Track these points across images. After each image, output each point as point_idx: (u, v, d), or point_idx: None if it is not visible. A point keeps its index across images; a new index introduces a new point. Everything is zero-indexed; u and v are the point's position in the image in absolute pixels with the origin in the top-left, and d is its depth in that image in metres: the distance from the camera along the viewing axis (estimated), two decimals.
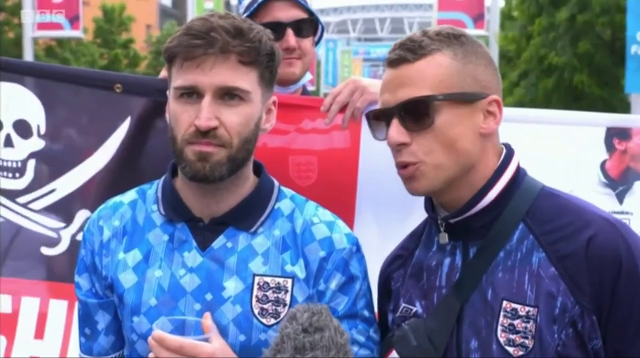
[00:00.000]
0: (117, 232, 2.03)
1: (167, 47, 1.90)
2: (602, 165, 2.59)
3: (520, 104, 20.95)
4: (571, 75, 19.39)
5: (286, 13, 2.76)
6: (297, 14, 2.78)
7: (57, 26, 19.22)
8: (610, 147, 2.58)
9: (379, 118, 1.89)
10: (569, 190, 2.58)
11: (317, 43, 2.93)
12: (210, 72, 1.83)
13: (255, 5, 2.75)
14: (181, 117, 1.87)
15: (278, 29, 2.68)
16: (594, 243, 1.72)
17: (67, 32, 19.79)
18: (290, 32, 2.75)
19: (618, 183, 2.59)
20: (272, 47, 1.92)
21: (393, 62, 1.85)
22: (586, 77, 19.21)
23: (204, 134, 1.84)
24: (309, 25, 2.82)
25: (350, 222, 2.60)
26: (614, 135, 2.58)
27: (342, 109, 2.62)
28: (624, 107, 19.17)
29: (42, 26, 19.24)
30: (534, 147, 2.58)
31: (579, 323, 1.71)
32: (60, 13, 18.68)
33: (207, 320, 1.86)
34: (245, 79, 1.87)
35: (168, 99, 1.95)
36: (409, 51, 1.82)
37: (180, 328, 1.85)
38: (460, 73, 1.81)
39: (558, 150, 2.60)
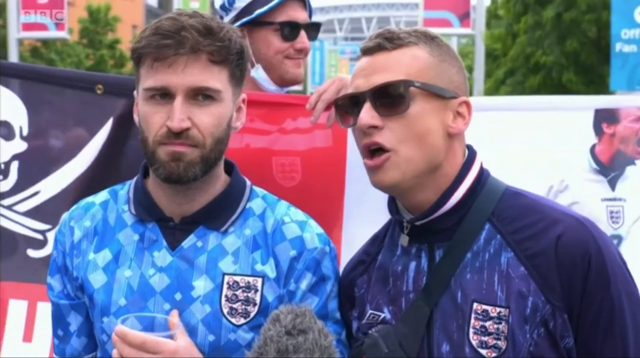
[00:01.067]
0: (88, 232, 2.02)
1: (136, 48, 1.87)
2: (592, 150, 2.57)
3: None
4: (558, 74, 19.44)
5: (300, 14, 2.80)
6: (306, 17, 2.83)
7: (42, 27, 19.07)
8: (599, 131, 2.57)
9: (348, 104, 1.87)
10: (560, 179, 2.57)
11: None
12: (182, 73, 1.82)
13: (274, 3, 2.75)
14: (152, 118, 1.86)
15: (294, 29, 2.76)
16: (563, 241, 1.71)
17: (52, 33, 19.63)
18: (304, 34, 2.79)
19: (609, 169, 2.57)
20: (242, 45, 1.91)
21: (370, 50, 1.84)
22: (573, 75, 19.27)
23: (177, 135, 1.83)
24: (317, 30, 2.87)
25: (339, 221, 2.59)
26: (603, 120, 2.56)
27: (328, 107, 2.60)
28: None
29: (27, 27, 19.08)
30: (522, 135, 2.57)
31: (551, 322, 1.70)
32: (45, 14, 18.54)
33: (174, 317, 1.85)
34: (217, 79, 1.86)
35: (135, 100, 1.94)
36: (387, 40, 1.82)
37: (150, 327, 1.84)
38: (436, 68, 1.81)
39: (547, 137, 2.58)
